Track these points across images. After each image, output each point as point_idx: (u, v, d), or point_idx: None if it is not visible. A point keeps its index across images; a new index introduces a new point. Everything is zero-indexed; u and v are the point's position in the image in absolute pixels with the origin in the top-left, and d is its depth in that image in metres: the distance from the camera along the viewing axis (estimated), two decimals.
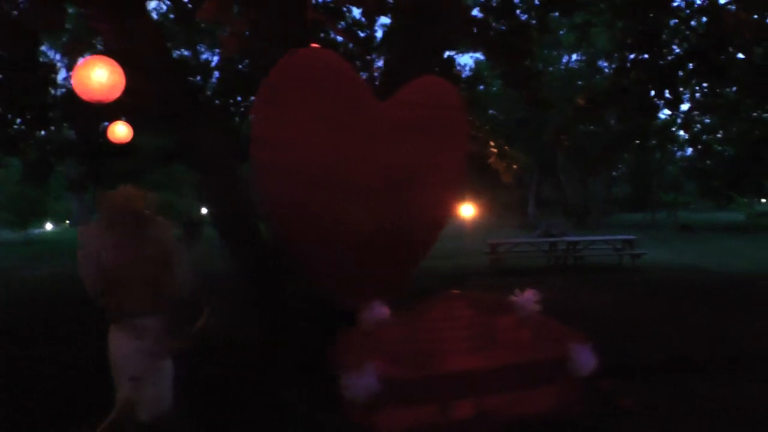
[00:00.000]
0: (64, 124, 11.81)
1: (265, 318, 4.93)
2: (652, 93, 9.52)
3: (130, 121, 6.04)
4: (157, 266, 3.44)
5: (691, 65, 9.34)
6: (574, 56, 31.89)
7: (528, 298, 4.14)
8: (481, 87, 16.40)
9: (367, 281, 4.29)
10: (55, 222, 35.30)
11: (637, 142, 10.63)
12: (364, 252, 4.21)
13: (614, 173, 35.71)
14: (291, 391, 4.37)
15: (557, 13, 9.41)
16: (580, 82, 28.58)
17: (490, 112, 29.58)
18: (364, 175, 4.12)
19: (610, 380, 4.33)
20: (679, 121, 12.37)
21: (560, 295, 9.21)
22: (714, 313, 7.62)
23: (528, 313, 4.09)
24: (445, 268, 12.93)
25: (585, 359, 3.70)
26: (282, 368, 4.68)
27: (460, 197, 4.93)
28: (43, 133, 12.01)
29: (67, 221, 37.05)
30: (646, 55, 9.09)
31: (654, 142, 13.54)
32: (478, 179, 17.24)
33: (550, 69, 32.32)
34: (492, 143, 9.52)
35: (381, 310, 4.12)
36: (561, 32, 25.80)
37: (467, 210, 13.77)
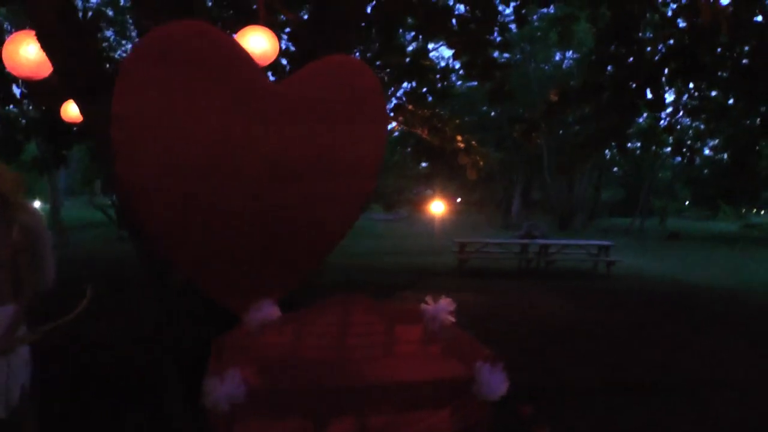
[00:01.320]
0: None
1: (153, 313, 4.39)
2: (631, 92, 8.94)
3: None
4: (18, 253, 3.21)
5: (674, 64, 8.78)
6: (569, 54, 31.25)
7: (441, 307, 3.59)
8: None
9: (254, 279, 3.73)
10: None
11: (613, 143, 10.07)
12: (249, 247, 3.65)
13: (600, 175, 34.85)
14: (161, 393, 3.82)
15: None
16: (572, 82, 28.06)
17: (484, 108, 29.13)
18: (243, 160, 3.56)
19: (531, 405, 3.80)
20: (663, 124, 11.84)
21: (518, 300, 8.73)
22: (675, 331, 7.10)
23: (439, 325, 3.55)
24: (407, 265, 12.46)
25: (494, 382, 3.15)
26: (160, 368, 4.15)
27: (371, 191, 4.31)
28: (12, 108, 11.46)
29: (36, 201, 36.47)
30: (623, 50, 8.53)
31: (638, 144, 12.98)
32: (459, 175, 16.79)
33: (546, 67, 31.88)
34: (459, 138, 9.00)
35: (269, 311, 3.58)
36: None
37: (437, 206, 13.27)
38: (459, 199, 35.29)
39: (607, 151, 25.12)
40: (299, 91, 3.77)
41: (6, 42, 4.10)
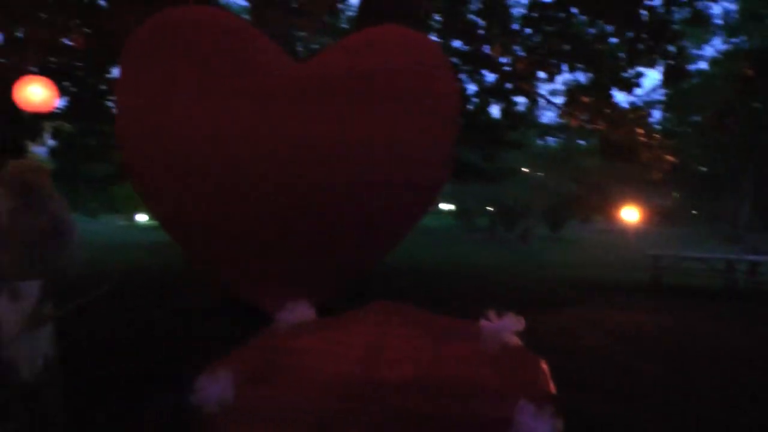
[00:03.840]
0: None
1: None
2: None
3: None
4: (44, 236, 3.61)
5: None
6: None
7: (505, 324, 2.86)
8: None
9: (290, 277, 3.27)
10: None
11: None
12: (282, 239, 3.21)
13: None
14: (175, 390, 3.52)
15: None
16: None
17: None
18: (259, 147, 3.13)
19: None
20: None
21: (716, 328, 7.32)
22: None
23: (498, 346, 2.81)
24: (593, 278, 11.23)
25: (536, 427, 2.39)
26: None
27: (441, 183, 3.60)
28: None
29: None
30: None
31: None
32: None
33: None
34: (640, 131, 7.81)
35: (303, 313, 3.12)
36: None
37: (629, 214, 11.85)
38: (694, 212, 32.16)
39: None
40: (329, 68, 3.27)
41: (17, 84, 5.20)
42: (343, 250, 3.38)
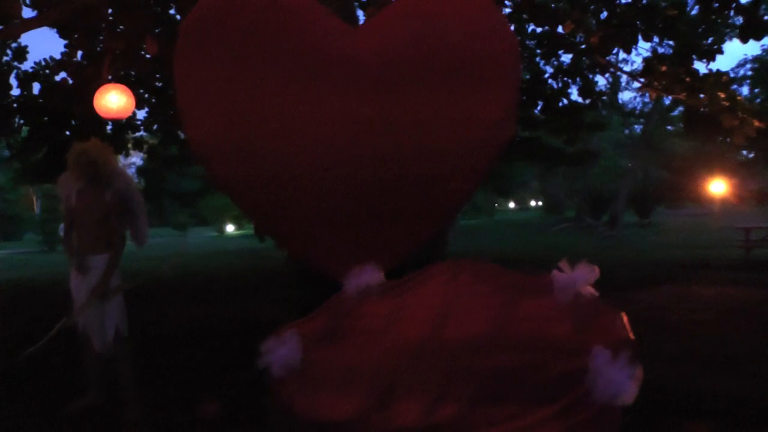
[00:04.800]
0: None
1: None
2: None
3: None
4: (112, 212, 3.79)
5: None
6: None
7: (578, 275, 2.70)
8: None
9: (357, 242, 3.25)
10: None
11: None
12: (346, 205, 3.20)
13: None
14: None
15: None
16: None
17: None
18: (324, 127, 3.12)
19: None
20: None
21: None
22: None
23: (572, 297, 2.67)
24: (682, 258, 10.74)
25: (614, 378, 2.26)
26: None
27: (502, 142, 3.45)
28: None
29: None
30: None
31: None
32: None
33: None
34: (722, 95, 7.37)
35: (371, 277, 3.07)
36: None
37: (720, 196, 11.28)
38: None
39: None
40: (389, 39, 3.18)
41: (96, 92, 5.53)
42: (411, 216, 3.33)
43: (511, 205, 44.70)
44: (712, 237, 17.07)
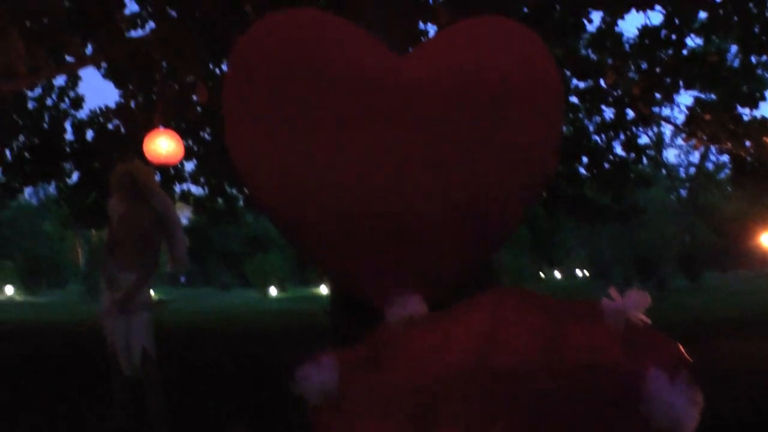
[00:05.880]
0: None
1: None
2: None
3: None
4: (150, 232, 3.82)
5: None
6: None
7: (630, 301, 2.60)
8: None
9: (398, 270, 3.20)
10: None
11: None
12: (389, 232, 3.15)
13: None
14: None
15: None
16: None
17: None
18: (381, 163, 3.10)
19: None
20: None
21: None
22: None
23: (624, 324, 2.56)
24: (730, 317, 10.38)
25: (673, 401, 2.14)
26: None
27: (547, 176, 3.41)
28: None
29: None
30: None
31: None
32: None
33: None
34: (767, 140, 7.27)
35: (414, 306, 3.01)
36: None
37: None
38: None
39: None
40: (438, 71, 3.15)
41: (146, 137, 5.73)
42: (455, 247, 3.27)
43: (557, 274, 44.15)
44: (766, 298, 16.54)
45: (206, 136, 9.15)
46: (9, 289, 31.91)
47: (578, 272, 49.44)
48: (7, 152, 9.95)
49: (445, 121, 3.11)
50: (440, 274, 3.25)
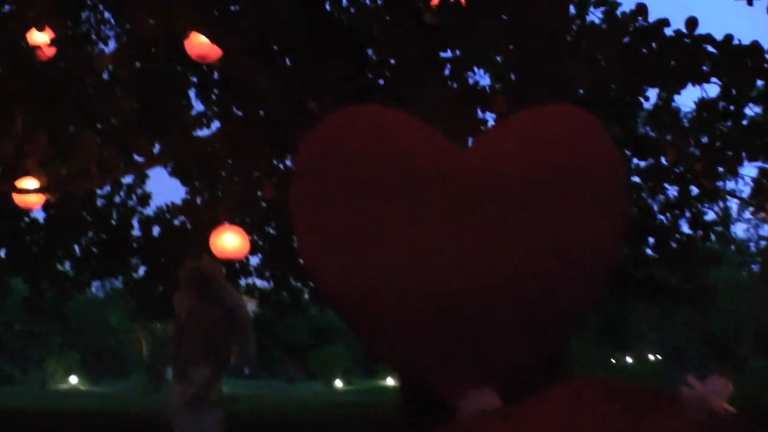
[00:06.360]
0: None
1: None
2: None
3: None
4: (219, 326, 3.94)
5: None
6: None
7: (711, 388, 2.46)
8: None
9: (477, 366, 3.13)
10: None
11: None
12: (464, 333, 3.11)
13: None
14: None
15: None
16: None
17: None
18: (448, 254, 3.09)
19: None
20: None
21: None
22: None
23: (707, 415, 2.41)
24: None
25: None
26: None
27: (617, 260, 3.31)
28: None
29: None
30: None
31: None
32: None
33: None
34: None
35: (487, 399, 2.92)
36: None
37: None
38: None
39: None
40: (503, 162, 3.17)
41: (212, 233, 5.98)
42: (524, 340, 3.20)
43: (628, 359, 42.65)
44: None
45: (271, 230, 9.35)
46: (73, 379, 32.67)
47: (650, 356, 47.71)
48: (76, 247, 10.37)
49: (509, 213, 3.10)
50: (511, 365, 3.17)
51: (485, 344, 3.16)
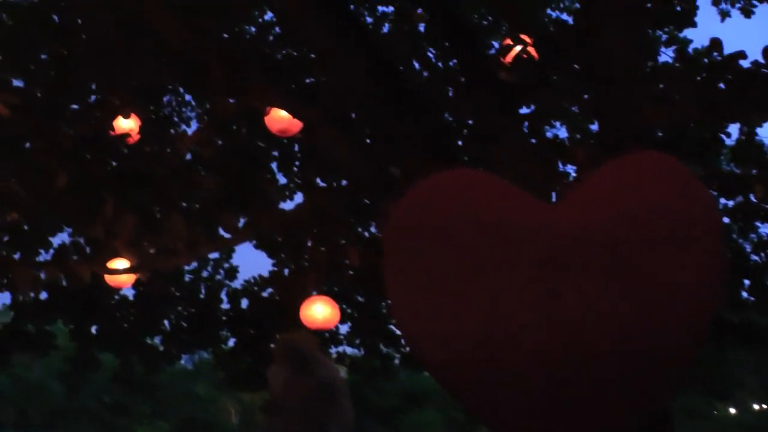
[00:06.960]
0: None
1: None
2: None
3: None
4: (314, 399, 3.92)
5: None
6: None
7: None
8: None
9: (575, 425, 3.03)
10: None
11: None
12: (557, 397, 3.03)
13: None
14: None
15: None
16: None
17: None
18: (539, 317, 3.04)
19: None
20: None
21: None
22: None
23: None
24: None
25: None
26: None
27: (711, 318, 3.14)
28: None
29: None
30: None
31: None
32: None
33: None
34: None
35: None
36: None
37: None
38: None
39: None
40: (594, 220, 3.10)
41: (302, 304, 6.10)
42: (624, 401, 3.09)
43: (732, 410, 40.21)
44: None
45: (359, 298, 9.39)
46: None
47: (755, 406, 44.87)
48: (165, 322, 10.66)
49: (602, 269, 3.00)
50: (613, 427, 3.05)
51: (585, 406, 3.04)
